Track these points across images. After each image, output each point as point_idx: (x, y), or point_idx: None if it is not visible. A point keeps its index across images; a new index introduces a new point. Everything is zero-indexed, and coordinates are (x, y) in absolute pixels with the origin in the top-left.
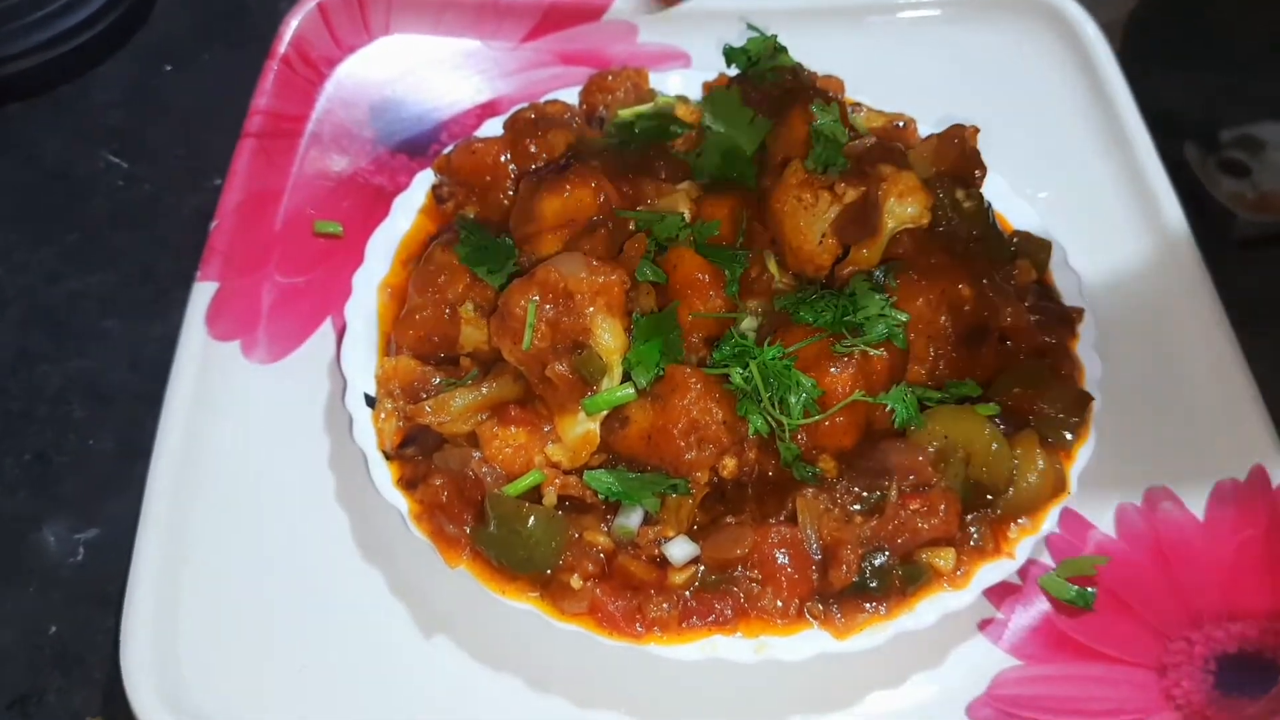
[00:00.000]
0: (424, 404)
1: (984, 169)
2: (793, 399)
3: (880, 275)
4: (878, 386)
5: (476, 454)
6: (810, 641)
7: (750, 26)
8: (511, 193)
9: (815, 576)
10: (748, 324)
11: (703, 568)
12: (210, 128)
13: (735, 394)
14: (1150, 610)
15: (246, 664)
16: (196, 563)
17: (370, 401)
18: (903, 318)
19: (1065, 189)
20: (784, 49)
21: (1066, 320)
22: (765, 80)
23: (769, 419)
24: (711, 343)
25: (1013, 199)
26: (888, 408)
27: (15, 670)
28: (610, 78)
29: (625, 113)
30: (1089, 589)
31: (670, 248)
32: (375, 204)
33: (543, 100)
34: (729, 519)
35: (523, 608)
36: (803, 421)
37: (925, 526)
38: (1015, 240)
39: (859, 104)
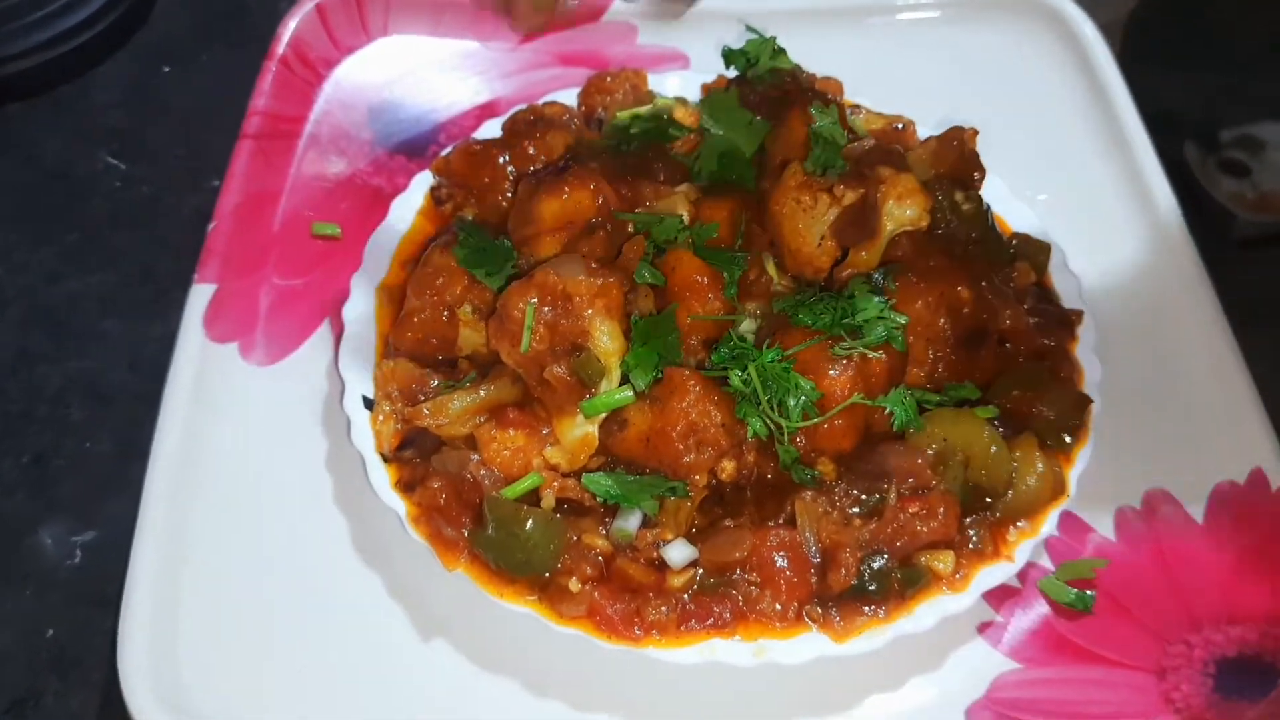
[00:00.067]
0: (422, 406)
1: (983, 171)
2: (791, 401)
3: (879, 278)
4: (877, 389)
5: (475, 456)
6: (809, 645)
7: (749, 28)
8: (510, 194)
9: (814, 579)
10: (746, 326)
11: (701, 571)
12: (210, 128)
13: (734, 396)
14: (1149, 613)
15: (244, 667)
16: (194, 565)
17: (368, 404)
18: (902, 320)
19: (1064, 191)
20: (783, 51)
21: (1066, 323)
22: (764, 82)
23: (768, 421)
24: (710, 345)
25: (1012, 201)
26: (886, 410)
27: (13, 673)
28: (609, 79)
29: (624, 114)
30: (1088, 592)
31: (669, 250)
32: (373, 205)
33: (541, 102)
34: (727, 522)
35: (521, 611)
36: (801, 424)
37: (924, 529)
38: (1014, 242)
39: (858, 106)
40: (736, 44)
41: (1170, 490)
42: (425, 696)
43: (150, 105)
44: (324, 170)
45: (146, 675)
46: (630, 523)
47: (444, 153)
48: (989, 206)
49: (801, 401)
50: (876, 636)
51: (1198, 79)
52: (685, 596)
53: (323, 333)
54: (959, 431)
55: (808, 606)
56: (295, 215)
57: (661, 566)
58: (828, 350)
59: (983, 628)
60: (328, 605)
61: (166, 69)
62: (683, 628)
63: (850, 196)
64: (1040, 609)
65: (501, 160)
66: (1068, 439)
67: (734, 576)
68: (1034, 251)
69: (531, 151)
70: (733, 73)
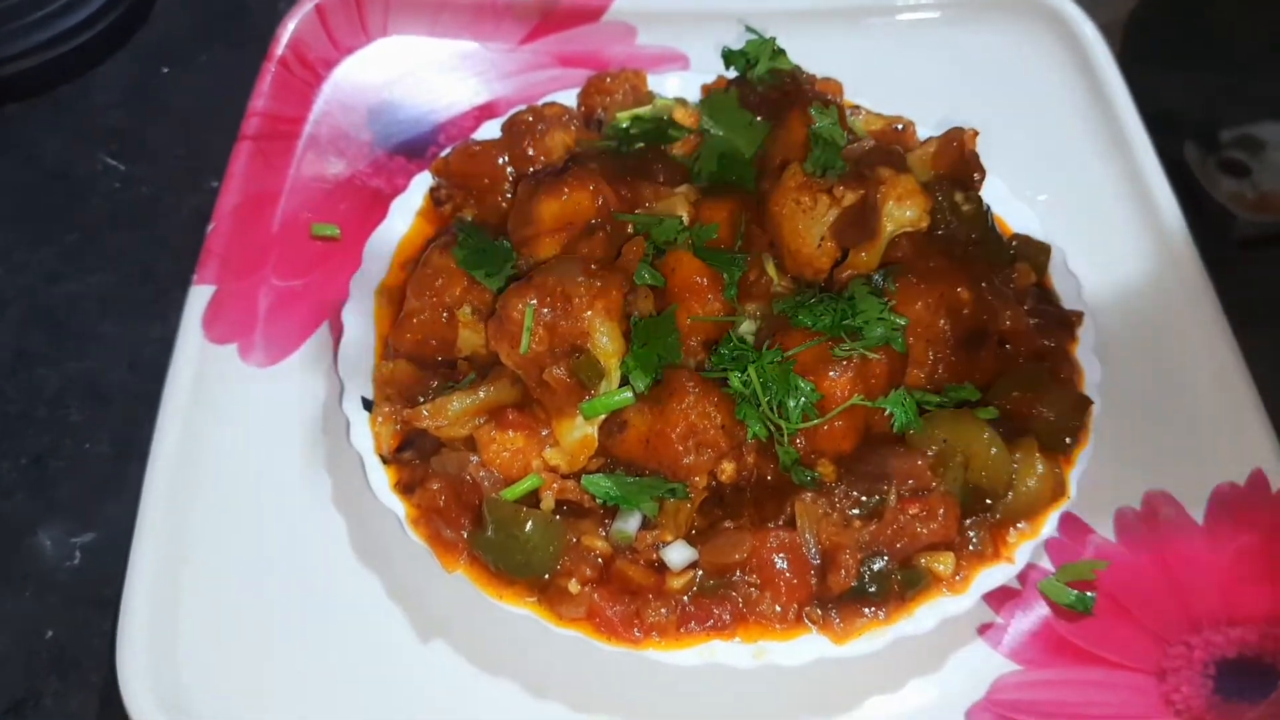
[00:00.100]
0: (421, 408)
1: (983, 172)
2: (791, 403)
3: (879, 279)
4: (876, 390)
5: (474, 458)
6: (809, 646)
7: (749, 29)
8: (509, 195)
9: (814, 581)
10: (746, 327)
11: (701, 572)
12: (210, 128)
13: (734, 398)
14: (1150, 615)
15: (243, 668)
16: (193, 566)
17: (367, 405)
18: (901, 321)
19: (1064, 191)
20: (782, 51)
21: (1066, 324)
22: (764, 83)
23: (767, 423)
24: (710, 346)
25: (1012, 202)
26: (886, 412)
27: (12, 674)
28: (609, 80)
29: (623, 115)
30: (1088, 593)
31: (668, 251)
32: (373, 206)
33: (541, 102)
34: (727, 523)
35: (520, 612)
36: (801, 425)
37: (924, 531)
38: (1014, 243)
39: (858, 106)
40: (736, 44)
41: (1170, 491)
42: (425, 698)
43: (150, 105)
44: (323, 171)
45: (146, 676)
46: (630, 524)
47: (443, 154)
48: (989, 207)
49: (801, 403)
50: (876, 638)
51: (1198, 79)
52: (685, 598)
53: (322, 334)
54: (959, 433)
55: (808, 608)
56: (294, 216)
57: (661, 568)
58: (828, 351)
59: (983, 629)
60: (327, 606)
61: (166, 69)
62: (682, 629)
63: (850, 197)
64: (1040, 610)
65: (501, 161)
66: (1068, 440)
67: (734, 578)
68: (1034, 252)
69: (531, 152)
70: (732, 73)
